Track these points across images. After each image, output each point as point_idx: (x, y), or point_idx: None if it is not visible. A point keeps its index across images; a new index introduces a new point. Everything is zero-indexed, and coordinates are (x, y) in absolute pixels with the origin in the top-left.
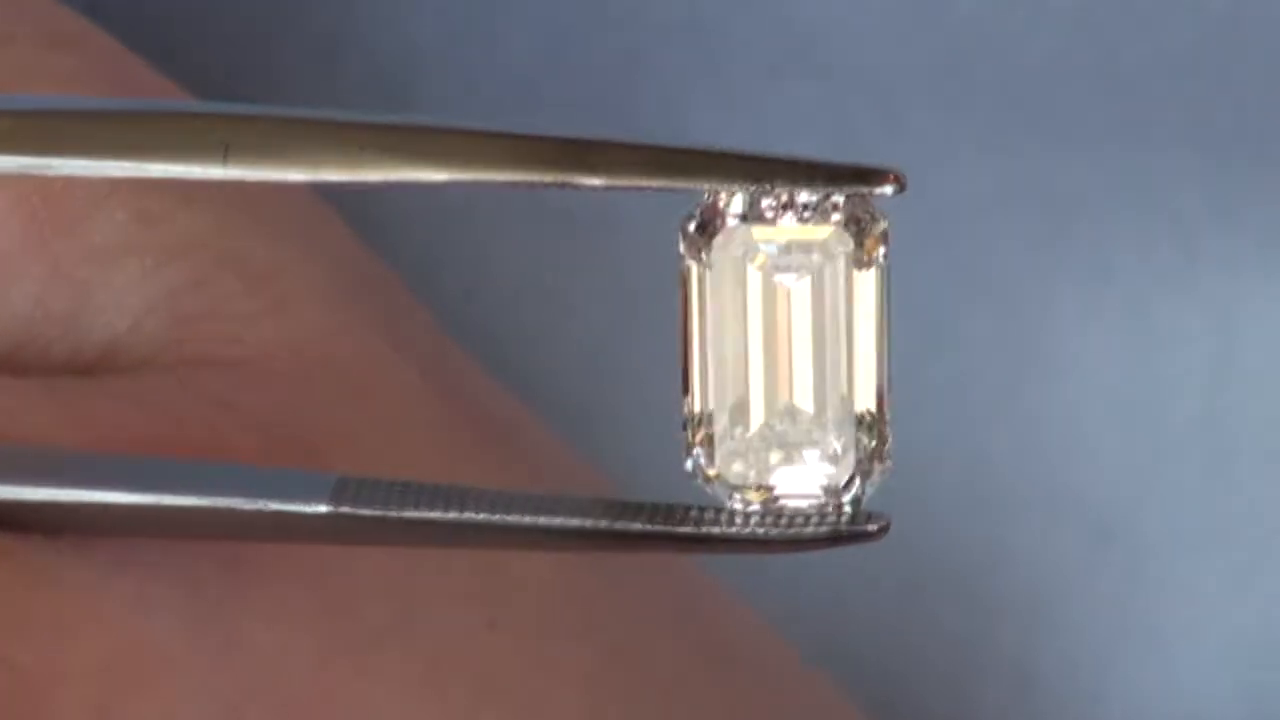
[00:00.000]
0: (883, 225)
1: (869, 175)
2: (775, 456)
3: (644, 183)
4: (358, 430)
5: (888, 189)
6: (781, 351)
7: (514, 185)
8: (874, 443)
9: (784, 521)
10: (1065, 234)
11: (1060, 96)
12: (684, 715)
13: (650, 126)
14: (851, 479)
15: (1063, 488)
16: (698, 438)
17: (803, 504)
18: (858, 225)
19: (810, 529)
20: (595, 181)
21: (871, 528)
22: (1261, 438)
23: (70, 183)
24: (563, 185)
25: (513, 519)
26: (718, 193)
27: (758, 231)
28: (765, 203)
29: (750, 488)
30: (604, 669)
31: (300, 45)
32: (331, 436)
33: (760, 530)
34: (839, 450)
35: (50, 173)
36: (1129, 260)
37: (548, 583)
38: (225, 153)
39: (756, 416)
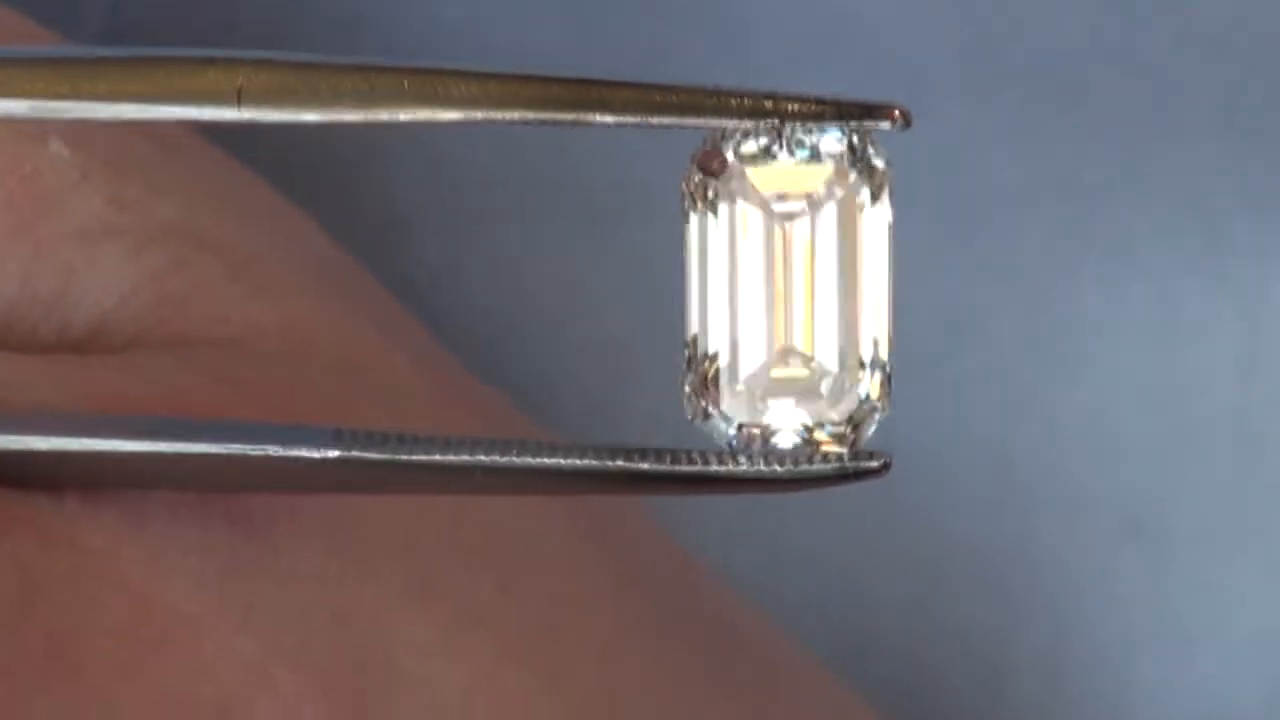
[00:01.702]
0: (884, 164)
1: (875, 111)
2: (776, 396)
3: (653, 120)
4: (355, 407)
5: (888, 124)
6: (781, 292)
7: (525, 123)
8: (876, 382)
9: (788, 460)
10: (1091, 224)
11: (1087, 83)
12: (692, 696)
13: None
14: (851, 417)
15: (1089, 482)
16: (698, 378)
17: (803, 442)
18: (861, 164)
19: (815, 466)
20: (606, 119)
21: (875, 464)
22: None
23: (42, 166)
24: (574, 123)
25: (520, 460)
26: (718, 135)
27: (758, 172)
28: (765, 142)
29: (750, 426)
30: (618, 642)
31: (322, 27)
32: (329, 413)
33: (765, 469)
34: (840, 389)
35: (65, 116)
36: (1156, 250)
37: (557, 553)
38: (239, 95)
39: (757, 356)
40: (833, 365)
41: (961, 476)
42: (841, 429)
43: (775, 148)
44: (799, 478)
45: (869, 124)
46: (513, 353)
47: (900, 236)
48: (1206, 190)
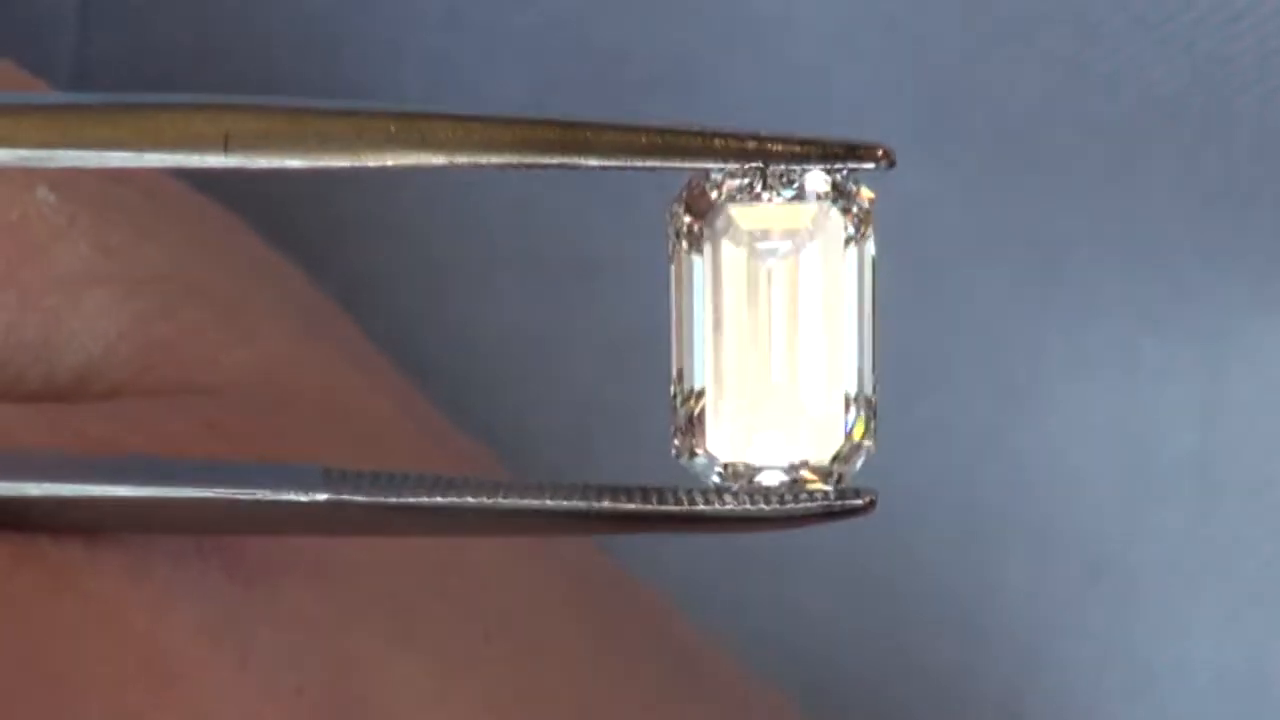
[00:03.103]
0: (868, 203)
1: (857, 150)
2: (761, 434)
3: (637, 163)
4: (340, 451)
5: (872, 165)
6: (766, 330)
7: (512, 168)
8: (861, 419)
9: (773, 499)
10: (1053, 276)
11: (1047, 140)
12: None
13: None
14: (837, 455)
15: (1052, 524)
16: (684, 416)
17: (789, 481)
18: (843, 203)
19: (800, 505)
20: (591, 162)
21: (860, 502)
22: (1251, 474)
23: (29, 213)
24: (559, 167)
25: (508, 502)
26: (705, 174)
27: (742, 211)
28: (750, 182)
29: (735, 465)
30: (596, 682)
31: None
32: (314, 457)
33: (751, 508)
34: (825, 427)
35: (52, 165)
36: (1117, 300)
37: (537, 597)
38: (225, 142)
39: (742, 394)
40: (818, 403)
41: (927, 518)
42: (827, 467)
43: (759, 187)
44: (785, 515)
45: (853, 164)
46: (485, 404)
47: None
48: (1165, 243)
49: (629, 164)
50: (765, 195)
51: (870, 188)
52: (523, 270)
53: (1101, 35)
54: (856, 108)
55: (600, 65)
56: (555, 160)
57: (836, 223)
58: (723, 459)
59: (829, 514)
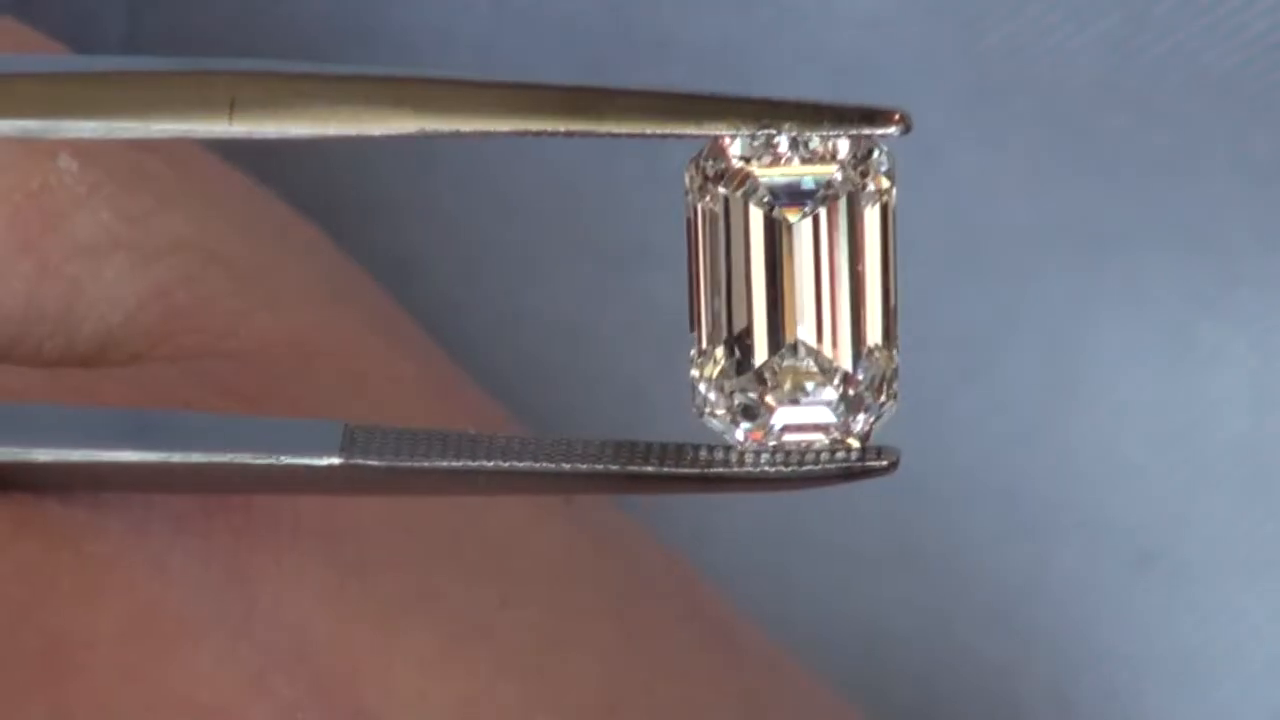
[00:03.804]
0: (887, 163)
1: (874, 116)
2: (781, 392)
3: (652, 129)
4: (360, 416)
5: (893, 129)
6: (786, 288)
7: (521, 134)
8: (880, 378)
9: (793, 459)
10: (1104, 260)
11: (1098, 124)
12: (699, 696)
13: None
14: (858, 413)
15: (1102, 514)
16: (703, 372)
17: (810, 440)
18: (863, 163)
19: (820, 465)
20: (603, 129)
21: (882, 462)
22: None
23: (50, 181)
24: (570, 134)
25: (523, 465)
26: (723, 135)
27: (761, 171)
28: (770, 143)
29: (756, 424)
30: (620, 649)
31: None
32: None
33: (769, 468)
34: (845, 385)
35: (56, 135)
36: (1168, 285)
37: (558, 564)
38: (230, 109)
39: (762, 353)
40: (840, 361)
41: (975, 509)
42: (850, 425)
43: (781, 147)
44: (803, 476)
45: (868, 129)
46: (523, 389)
47: (914, 273)
48: (1216, 227)
49: (641, 130)
50: (786, 155)
51: (921, 174)
52: (567, 256)
53: (1152, 18)
54: (903, 94)
55: (644, 53)
56: (565, 126)
57: (857, 184)
58: (743, 418)
59: (848, 474)
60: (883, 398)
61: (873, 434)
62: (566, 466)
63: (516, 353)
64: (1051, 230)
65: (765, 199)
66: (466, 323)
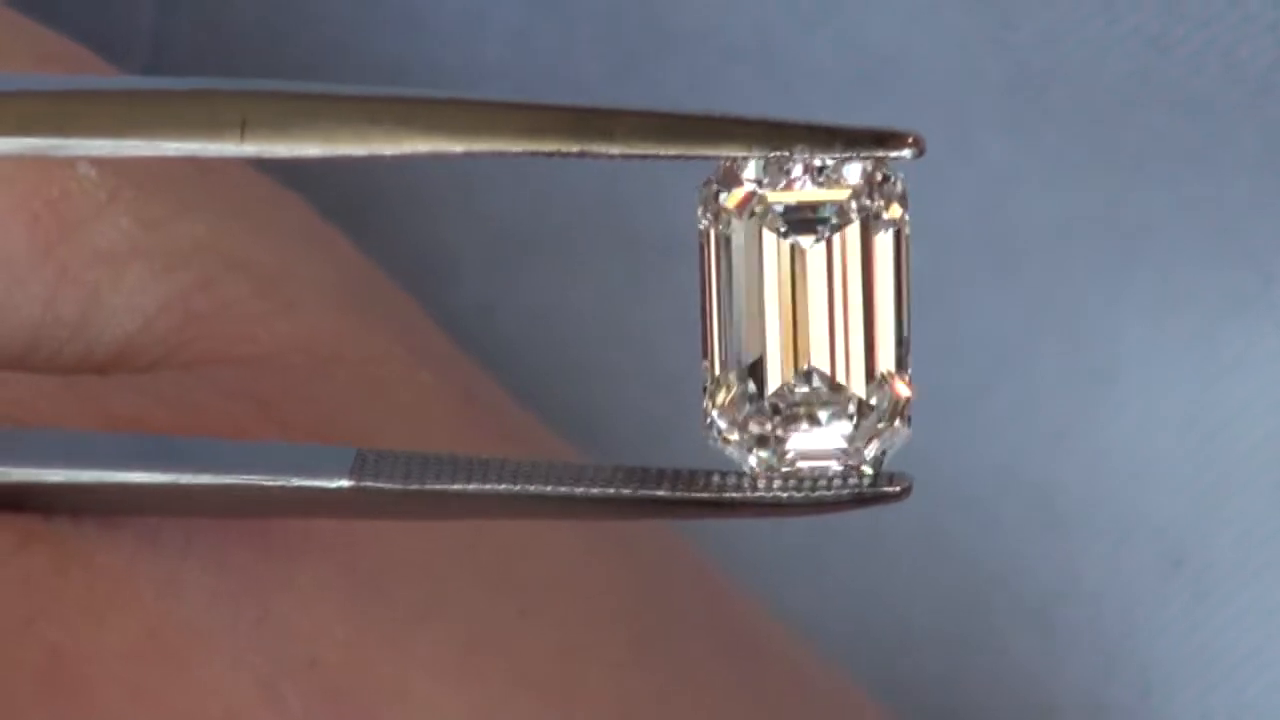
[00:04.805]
0: (900, 187)
1: (887, 139)
2: (793, 418)
3: (661, 150)
4: (377, 425)
5: (906, 153)
6: (799, 313)
7: (531, 155)
8: (893, 404)
9: (805, 484)
10: (1134, 258)
11: (1130, 120)
12: (714, 707)
13: None
14: (870, 440)
15: (1132, 515)
16: (716, 400)
17: (822, 466)
18: (876, 187)
19: (832, 491)
20: (613, 150)
21: (894, 489)
22: None
23: (69, 188)
24: (581, 154)
25: (534, 489)
26: (735, 158)
27: (774, 195)
28: (782, 166)
29: (768, 450)
30: (635, 659)
31: (367, 70)
32: (350, 431)
33: (782, 494)
34: (857, 411)
35: (64, 153)
36: (1198, 284)
37: (576, 572)
38: (242, 129)
39: (774, 378)
40: (852, 388)
41: (1005, 510)
42: (862, 452)
43: (794, 172)
44: (817, 502)
45: (880, 153)
46: (559, 387)
47: (942, 271)
48: (1249, 225)
49: (651, 152)
50: (799, 179)
51: (950, 169)
52: (606, 252)
53: (1186, 13)
54: (937, 87)
55: (678, 44)
56: (577, 148)
57: (870, 209)
58: (756, 444)
59: (860, 501)
60: (896, 424)
61: (886, 459)
62: (579, 491)
63: (550, 350)
64: (1083, 225)
65: (779, 226)
66: (499, 320)
